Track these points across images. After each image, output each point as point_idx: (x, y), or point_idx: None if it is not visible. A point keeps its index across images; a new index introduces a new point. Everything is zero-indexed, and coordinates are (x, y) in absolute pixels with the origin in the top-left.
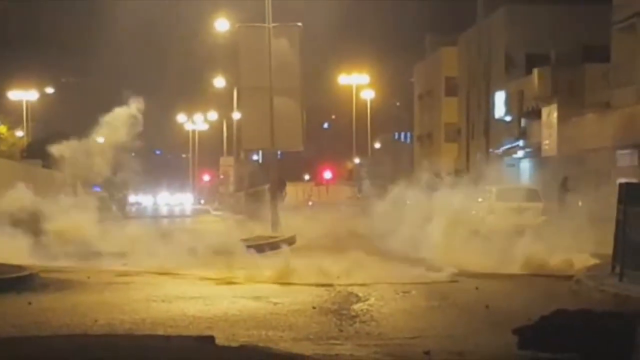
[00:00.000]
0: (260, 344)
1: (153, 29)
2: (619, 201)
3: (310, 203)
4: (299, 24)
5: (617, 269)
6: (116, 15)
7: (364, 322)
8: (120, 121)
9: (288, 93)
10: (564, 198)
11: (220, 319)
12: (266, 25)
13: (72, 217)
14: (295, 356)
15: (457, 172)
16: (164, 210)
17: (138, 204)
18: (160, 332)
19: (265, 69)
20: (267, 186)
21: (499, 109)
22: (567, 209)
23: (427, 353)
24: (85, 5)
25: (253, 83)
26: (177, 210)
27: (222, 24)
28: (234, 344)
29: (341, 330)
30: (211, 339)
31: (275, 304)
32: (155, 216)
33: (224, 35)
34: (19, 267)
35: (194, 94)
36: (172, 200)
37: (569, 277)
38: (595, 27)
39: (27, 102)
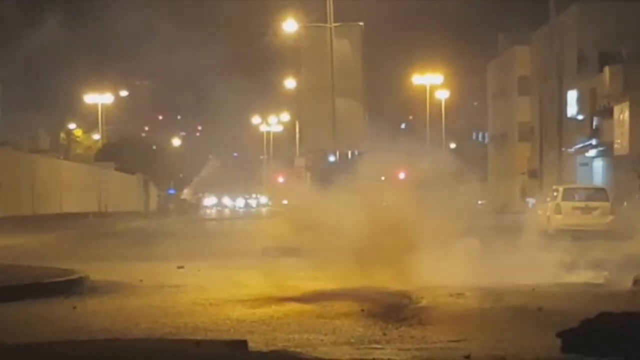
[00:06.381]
0: (297, 349)
1: (222, 30)
2: None
3: (384, 204)
4: (361, 23)
5: None
6: (186, 19)
7: (410, 325)
8: None
9: (350, 93)
10: None
11: (263, 322)
12: (327, 25)
13: None
14: None
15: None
16: (239, 212)
17: (215, 205)
18: (200, 336)
19: (326, 69)
20: None
21: (571, 108)
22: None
23: (467, 357)
24: (156, 12)
25: (315, 84)
26: (252, 211)
27: (290, 25)
28: (269, 348)
29: (385, 334)
30: (244, 343)
31: (324, 306)
32: (224, 218)
33: (292, 36)
34: (70, 271)
35: (268, 96)
36: (249, 202)
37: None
38: None
39: (102, 105)
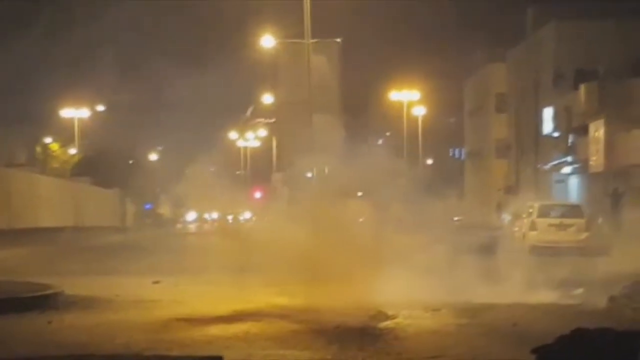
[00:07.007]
0: None
1: (199, 45)
2: None
3: (360, 220)
4: (338, 39)
5: None
6: (163, 34)
7: (386, 341)
8: None
9: (327, 109)
10: (617, 210)
11: (240, 338)
12: (305, 41)
13: None
14: None
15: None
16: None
17: (195, 221)
18: (176, 351)
19: (304, 85)
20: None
21: (547, 125)
22: (617, 223)
23: None
24: (133, 26)
25: (292, 99)
26: (237, 226)
27: (268, 40)
28: None
29: (360, 350)
30: (219, 359)
31: (299, 322)
32: (202, 233)
33: (270, 52)
34: (45, 286)
35: (245, 111)
36: (239, 217)
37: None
38: None
39: (78, 119)
